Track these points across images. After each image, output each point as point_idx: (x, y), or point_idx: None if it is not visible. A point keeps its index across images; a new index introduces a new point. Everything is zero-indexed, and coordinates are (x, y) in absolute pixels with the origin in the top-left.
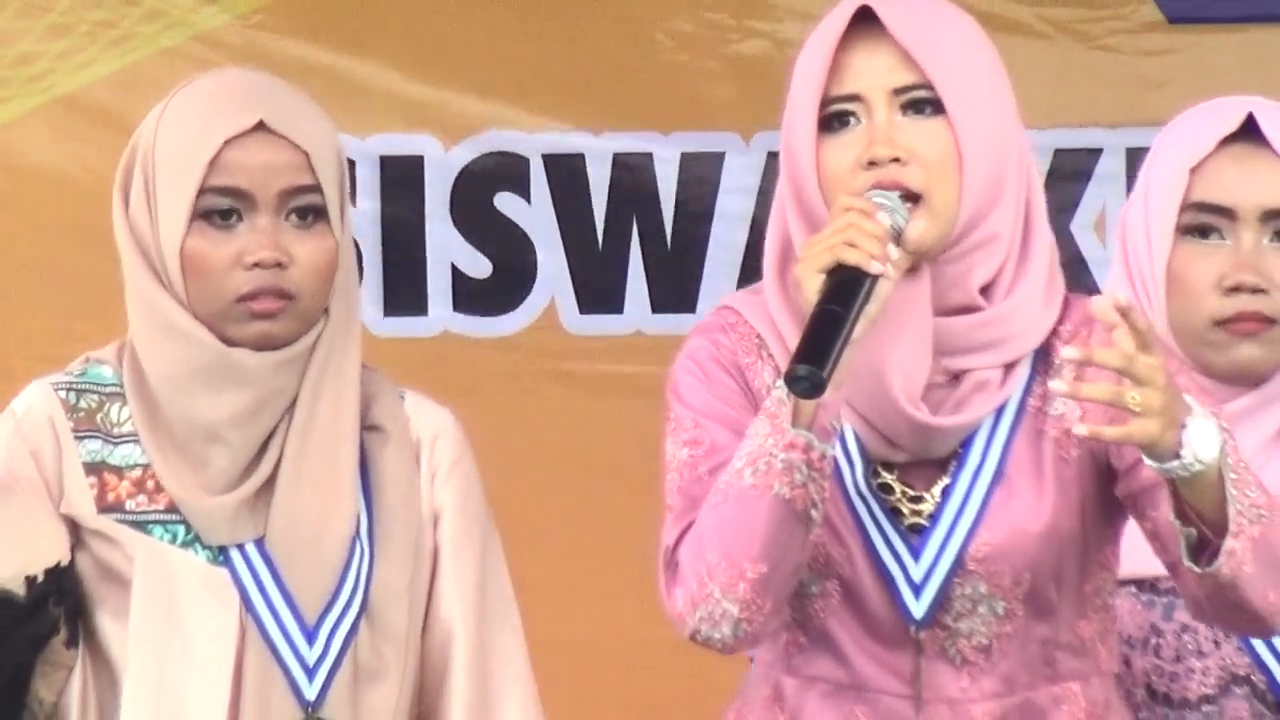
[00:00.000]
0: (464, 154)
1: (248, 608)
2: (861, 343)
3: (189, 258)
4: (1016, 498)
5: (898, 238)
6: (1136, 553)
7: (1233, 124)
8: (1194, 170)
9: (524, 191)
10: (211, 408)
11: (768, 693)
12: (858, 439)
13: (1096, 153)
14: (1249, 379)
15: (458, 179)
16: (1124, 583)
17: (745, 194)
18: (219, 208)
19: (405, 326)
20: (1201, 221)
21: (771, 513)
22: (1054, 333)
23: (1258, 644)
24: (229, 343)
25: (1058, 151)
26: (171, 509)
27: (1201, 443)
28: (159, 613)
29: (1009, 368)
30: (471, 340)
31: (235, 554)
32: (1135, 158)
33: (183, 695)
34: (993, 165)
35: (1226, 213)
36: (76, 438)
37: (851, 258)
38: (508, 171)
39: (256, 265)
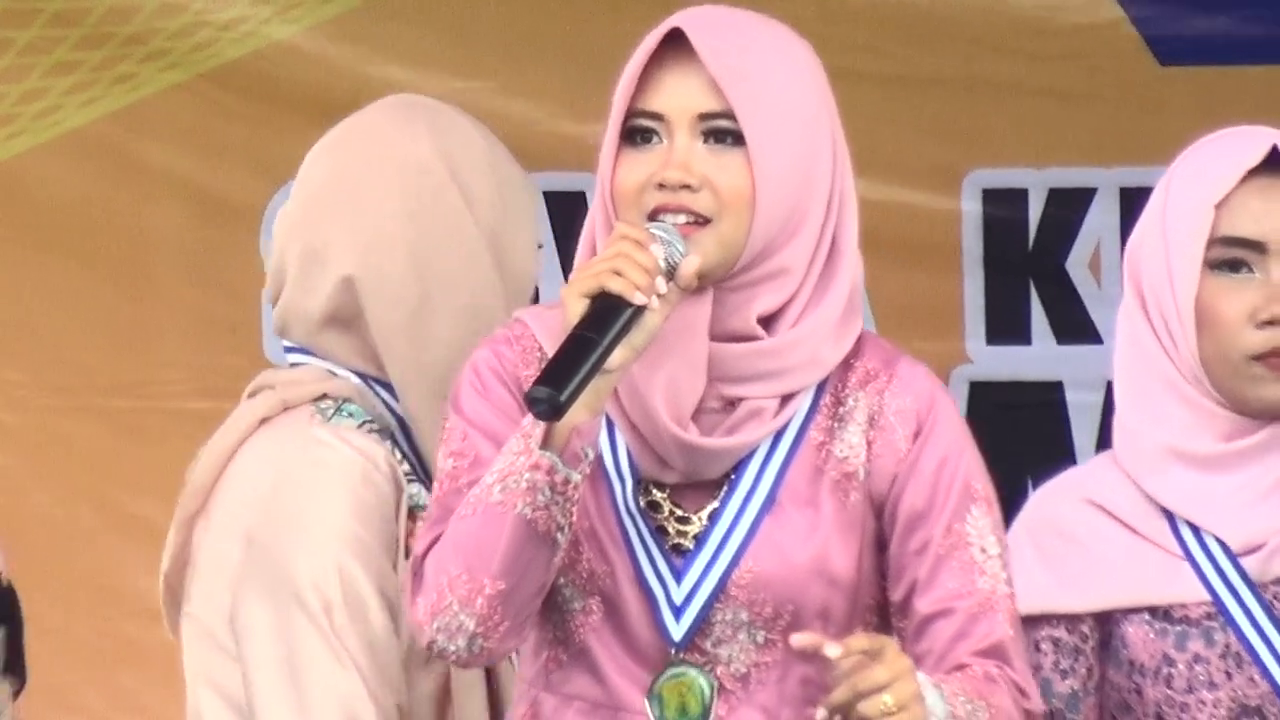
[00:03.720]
0: None
1: None
2: (637, 362)
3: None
4: (786, 527)
5: (671, 272)
6: (1147, 581)
7: (1256, 157)
8: (1218, 205)
9: None
10: None
11: (524, 710)
12: (630, 456)
13: (1090, 192)
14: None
15: None
16: (1136, 610)
17: None
18: None
19: None
20: (1230, 256)
21: (514, 531)
22: (847, 367)
23: (1276, 673)
24: None
25: (1052, 191)
26: None
27: (936, 704)
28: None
29: (787, 397)
30: None
31: None
32: (1129, 197)
33: None
34: (790, 201)
35: (1256, 246)
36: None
37: (615, 286)
38: None
39: None
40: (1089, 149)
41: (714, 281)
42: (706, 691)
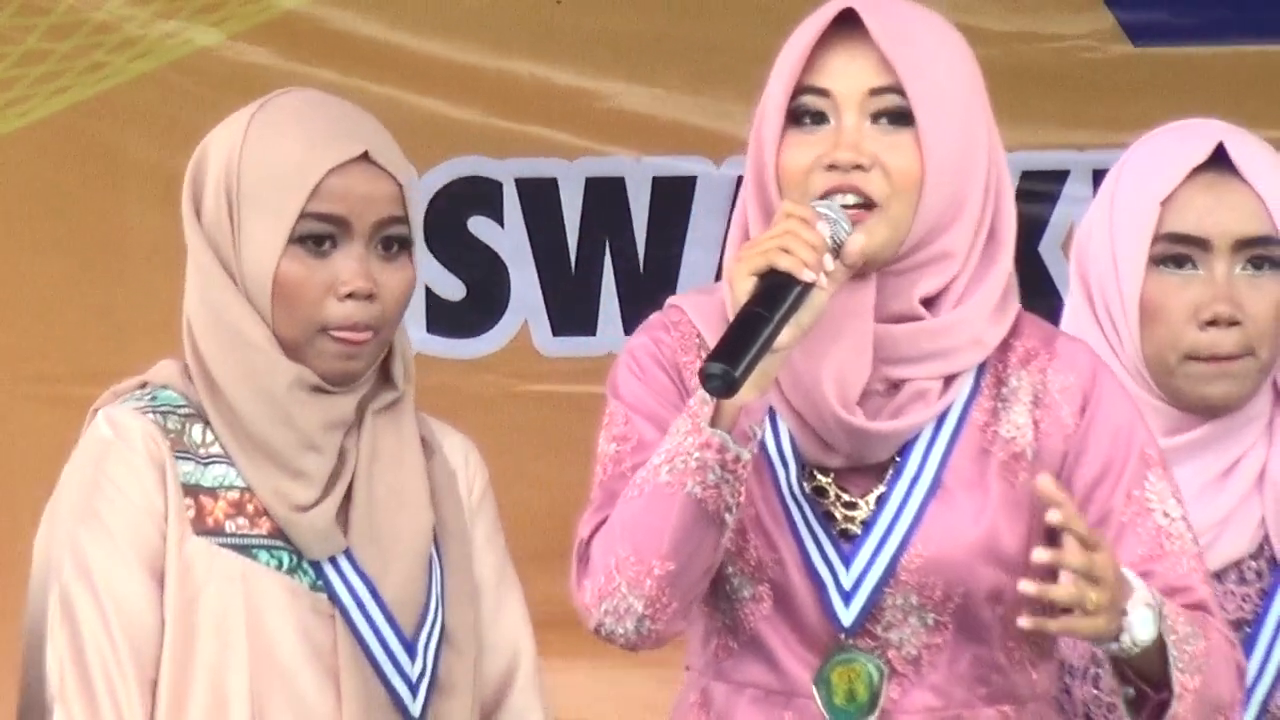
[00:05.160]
0: (437, 178)
1: (351, 628)
2: (799, 347)
3: (281, 281)
4: (954, 510)
5: (837, 250)
6: None
7: (1203, 154)
8: (1164, 202)
9: (497, 215)
10: (304, 417)
11: (694, 699)
12: (793, 442)
13: (1063, 174)
14: (1218, 410)
15: (431, 203)
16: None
17: (717, 216)
18: (316, 233)
19: None
20: (1175, 252)
21: (683, 511)
22: (1006, 347)
23: None
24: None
25: (1025, 173)
26: (274, 534)
27: (1140, 626)
28: (263, 643)
29: (950, 379)
30: (445, 362)
31: (333, 574)
32: (1102, 179)
33: None
34: (956, 184)
35: (1200, 243)
36: (175, 457)
37: (784, 264)
38: (481, 195)
39: (350, 296)
40: (1062, 131)
41: (879, 266)
42: (875, 678)
